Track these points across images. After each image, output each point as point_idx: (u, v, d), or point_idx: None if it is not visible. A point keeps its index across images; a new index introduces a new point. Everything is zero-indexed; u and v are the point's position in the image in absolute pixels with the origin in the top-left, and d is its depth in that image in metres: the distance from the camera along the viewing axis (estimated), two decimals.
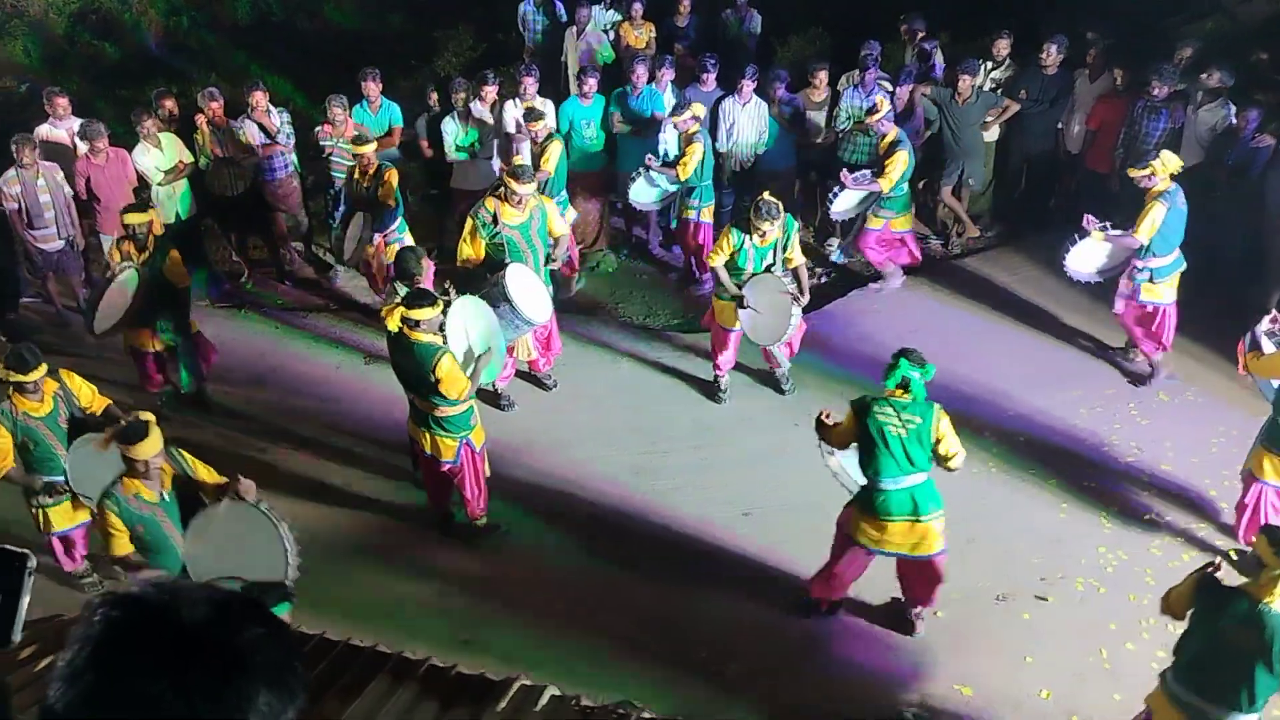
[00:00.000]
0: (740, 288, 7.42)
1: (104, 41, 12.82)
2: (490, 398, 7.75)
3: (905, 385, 5.37)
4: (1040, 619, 6.07)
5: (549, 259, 7.61)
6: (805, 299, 7.48)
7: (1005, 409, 7.77)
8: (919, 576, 5.79)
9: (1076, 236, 7.68)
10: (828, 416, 5.75)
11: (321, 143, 9.17)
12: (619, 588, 6.32)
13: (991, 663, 5.79)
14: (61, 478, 5.85)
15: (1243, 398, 7.80)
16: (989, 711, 5.53)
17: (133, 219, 7.24)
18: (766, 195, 7.29)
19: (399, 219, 8.48)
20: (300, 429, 7.77)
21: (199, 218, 9.35)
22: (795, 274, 7.50)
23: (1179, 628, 4.80)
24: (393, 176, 8.34)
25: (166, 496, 5.03)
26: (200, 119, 9.03)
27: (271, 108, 9.36)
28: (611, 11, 10.68)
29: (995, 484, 7.10)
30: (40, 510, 6.08)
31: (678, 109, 8.61)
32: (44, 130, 8.93)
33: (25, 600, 1.54)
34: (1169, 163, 7.37)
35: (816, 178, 10.35)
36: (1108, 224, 7.59)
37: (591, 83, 9.21)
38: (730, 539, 6.69)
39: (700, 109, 8.78)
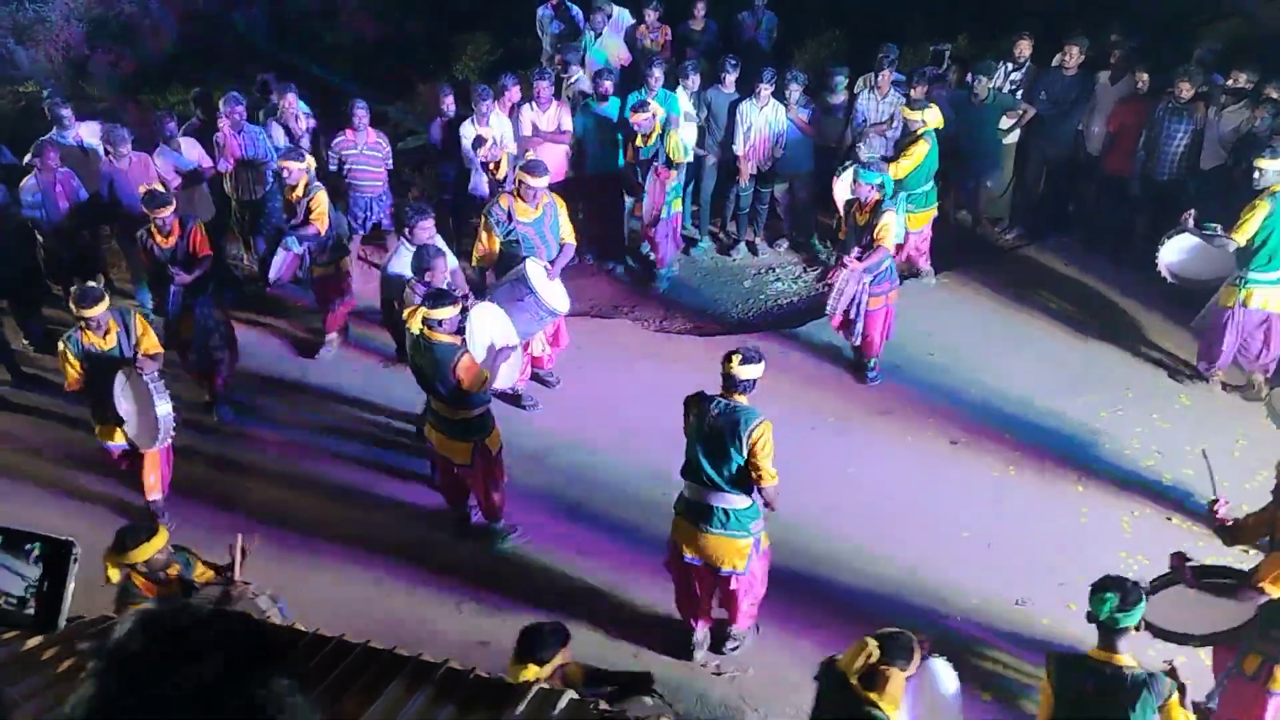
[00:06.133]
0: None
1: (124, 46, 12.91)
2: (512, 399, 7.76)
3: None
4: (1060, 624, 6.03)
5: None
6: None
7: (1025, 412, 7.74)
8: None
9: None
10: None
11: (344, 151, 8.97)
12: (638, 591, 6.31)
13: (1011, 667, 5.76)
14: None
15: (1261, 405, 7.76)
16: (1009, 716, 5.50)
17: (140, 554, 4.85)
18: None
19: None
20: (318, 432, 7.80)
21: (218, 221, 9.38)
22: None
23: None
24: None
25: None
26: (222, 123, 9.06)
27: (300, 111, 9.38)
28: (628, 15, 10.69)
29: (1015, 488, 7.08)
30: None
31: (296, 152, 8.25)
32: (53, 137, 8.98)
33: (70, 587, 1.56)
34: None
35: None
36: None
37: (607, 85, 9.21)
38: None
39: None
